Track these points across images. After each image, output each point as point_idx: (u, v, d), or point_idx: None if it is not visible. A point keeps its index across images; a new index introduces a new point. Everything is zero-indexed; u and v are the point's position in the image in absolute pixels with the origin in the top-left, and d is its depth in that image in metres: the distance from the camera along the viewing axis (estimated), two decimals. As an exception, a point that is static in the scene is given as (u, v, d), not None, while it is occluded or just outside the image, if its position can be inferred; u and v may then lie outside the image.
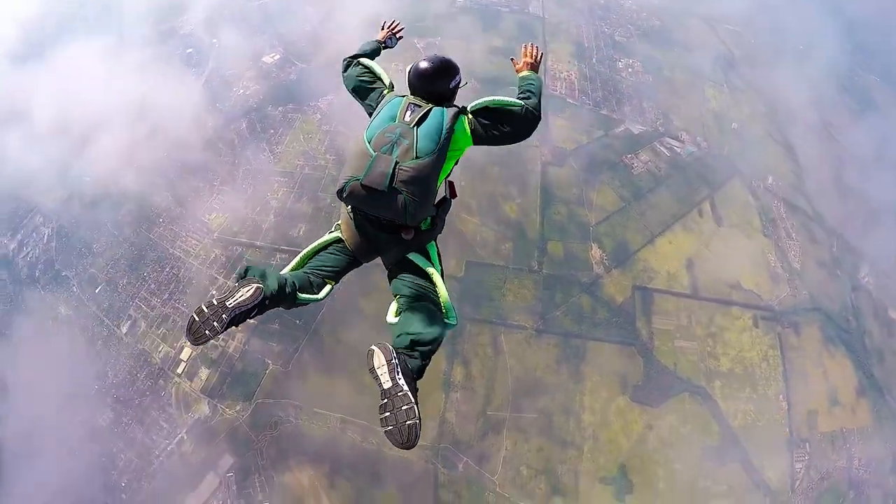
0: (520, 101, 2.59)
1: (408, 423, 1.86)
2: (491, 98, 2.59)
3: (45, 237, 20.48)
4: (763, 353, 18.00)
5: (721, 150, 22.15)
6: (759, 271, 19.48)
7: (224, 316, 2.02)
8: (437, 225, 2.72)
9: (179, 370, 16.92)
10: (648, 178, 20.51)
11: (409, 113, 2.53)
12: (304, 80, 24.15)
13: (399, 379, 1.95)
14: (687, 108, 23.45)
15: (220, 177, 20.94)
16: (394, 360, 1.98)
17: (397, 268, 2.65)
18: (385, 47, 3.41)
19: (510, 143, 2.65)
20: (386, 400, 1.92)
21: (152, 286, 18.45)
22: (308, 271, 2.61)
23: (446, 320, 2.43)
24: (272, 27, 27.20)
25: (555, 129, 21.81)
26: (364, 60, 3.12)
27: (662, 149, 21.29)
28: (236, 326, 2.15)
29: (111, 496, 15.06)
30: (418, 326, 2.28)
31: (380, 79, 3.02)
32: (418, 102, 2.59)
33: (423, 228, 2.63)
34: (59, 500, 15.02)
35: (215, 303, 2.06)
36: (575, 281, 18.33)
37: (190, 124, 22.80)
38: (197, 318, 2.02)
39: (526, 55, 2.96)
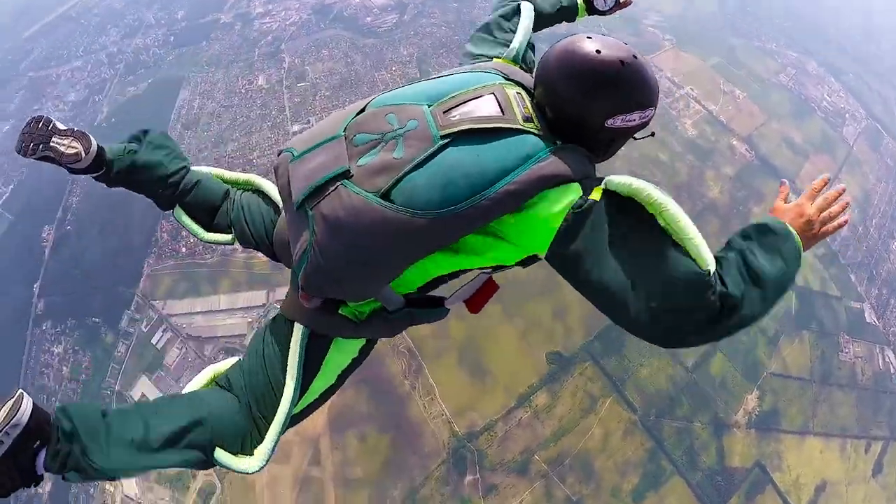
0: (711, 261, 1.01)
1: None
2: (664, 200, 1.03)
3: None
4: None
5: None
6: (871, 549, 16.10)
7: None
8: (377, 323, 1.27)
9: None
10: (847, 375, 16.85)
11: (486, 103, 1.14)
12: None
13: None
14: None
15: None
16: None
17: (273, 331, 1.36)
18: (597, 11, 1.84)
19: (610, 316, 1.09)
20: None
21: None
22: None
23: (226, 457, 1.22)
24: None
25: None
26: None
27: (881, 358, 17.49)
28: None
29: None
30: (186, 424, 1.19)
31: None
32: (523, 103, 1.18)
33: (342, 311, 1.27)
34: None
35: None
36: (711, 409, 15.14)
37: None
38: None
39: (813, 192, 1.20)
